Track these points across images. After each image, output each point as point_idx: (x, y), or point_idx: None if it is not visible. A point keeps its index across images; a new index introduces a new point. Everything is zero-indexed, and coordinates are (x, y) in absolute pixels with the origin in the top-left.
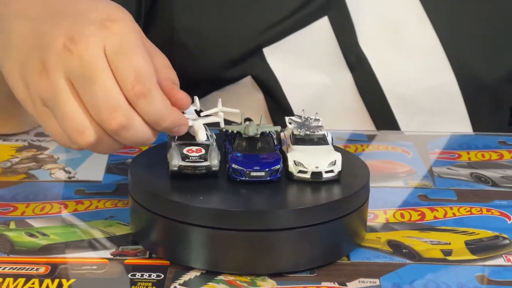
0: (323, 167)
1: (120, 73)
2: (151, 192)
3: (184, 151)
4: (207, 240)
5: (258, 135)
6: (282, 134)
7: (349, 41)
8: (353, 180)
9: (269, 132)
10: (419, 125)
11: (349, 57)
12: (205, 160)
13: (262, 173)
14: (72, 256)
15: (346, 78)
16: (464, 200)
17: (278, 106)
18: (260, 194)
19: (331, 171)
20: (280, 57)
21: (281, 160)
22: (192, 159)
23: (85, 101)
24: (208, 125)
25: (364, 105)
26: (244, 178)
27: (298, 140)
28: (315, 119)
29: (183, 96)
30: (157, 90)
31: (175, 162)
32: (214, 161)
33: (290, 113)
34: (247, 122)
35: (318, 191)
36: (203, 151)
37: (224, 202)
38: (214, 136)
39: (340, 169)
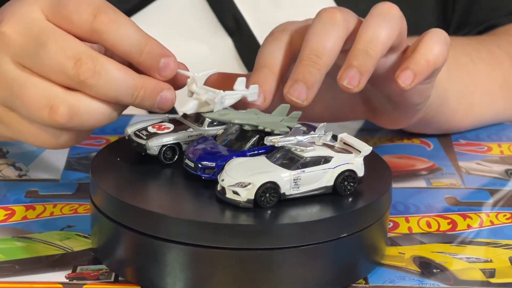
0: (227, 183)
1: (71, 13)
2: (117, 197)
3: (150, 125)
4: (189, 260)
5: (245, 127)
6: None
7: (223, 3)
8: (371, 184)
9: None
10: None
11: (226, 21)
12: (147, 138)
13: (192, 164)
14: (15, 280)
15: (225, 44)
16: (501, 203)
17: None
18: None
19: (236, 193)
20: (145, 28)
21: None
22: (140, 134)
23: (42, 71)
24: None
25: (248, 72)
26: (184, 165)
27: (277, 156)
28: (318, 136)
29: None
30: (124, 16)
31: (129, 129)
32: (151, 143)
33: None
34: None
35: (327, 200)
36: (166, 131)
37: (210, 212)
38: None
39: (252, 197)
